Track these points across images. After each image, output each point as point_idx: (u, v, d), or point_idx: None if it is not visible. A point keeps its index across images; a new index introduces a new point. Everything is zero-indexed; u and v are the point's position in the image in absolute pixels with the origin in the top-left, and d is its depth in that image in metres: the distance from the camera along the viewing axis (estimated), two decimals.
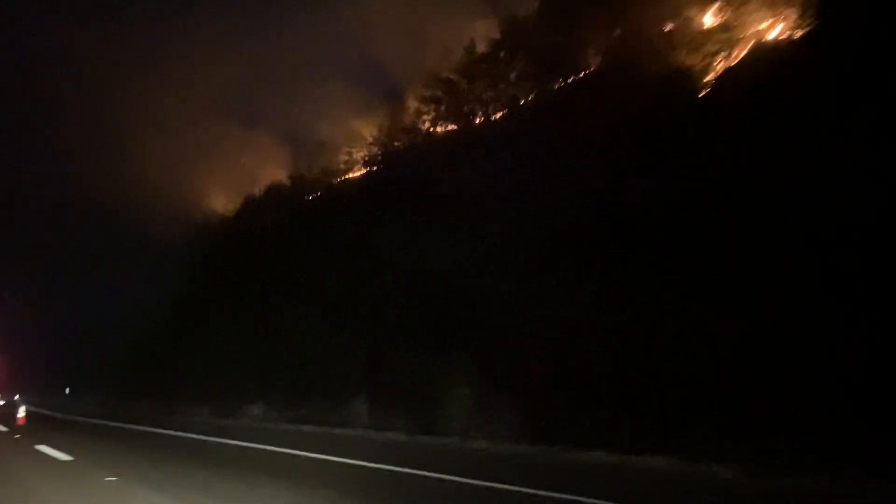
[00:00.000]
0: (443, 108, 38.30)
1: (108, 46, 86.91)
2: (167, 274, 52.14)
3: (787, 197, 14.46)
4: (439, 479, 10.41)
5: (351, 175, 48.15)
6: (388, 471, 11.41)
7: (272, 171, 54.75)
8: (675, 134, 18.25)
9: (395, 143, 40.37)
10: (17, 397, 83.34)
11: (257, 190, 54.10)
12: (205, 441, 16.71)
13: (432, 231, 18.41)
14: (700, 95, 22.35)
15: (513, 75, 32.20)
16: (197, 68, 75.15)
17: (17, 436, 18.37)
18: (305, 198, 49.36)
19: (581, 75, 28.52)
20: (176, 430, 20.24)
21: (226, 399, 28.70)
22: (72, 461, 12.42)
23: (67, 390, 76.94)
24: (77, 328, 75.73)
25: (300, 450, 14.14)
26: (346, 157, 49.09)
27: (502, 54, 32.64)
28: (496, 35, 32.98)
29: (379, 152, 43.64)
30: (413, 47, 46.13)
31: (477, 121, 34.32)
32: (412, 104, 42.74)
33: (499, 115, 32.71)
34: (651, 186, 16.25)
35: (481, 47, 34.05)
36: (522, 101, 30.77)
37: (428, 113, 40.05)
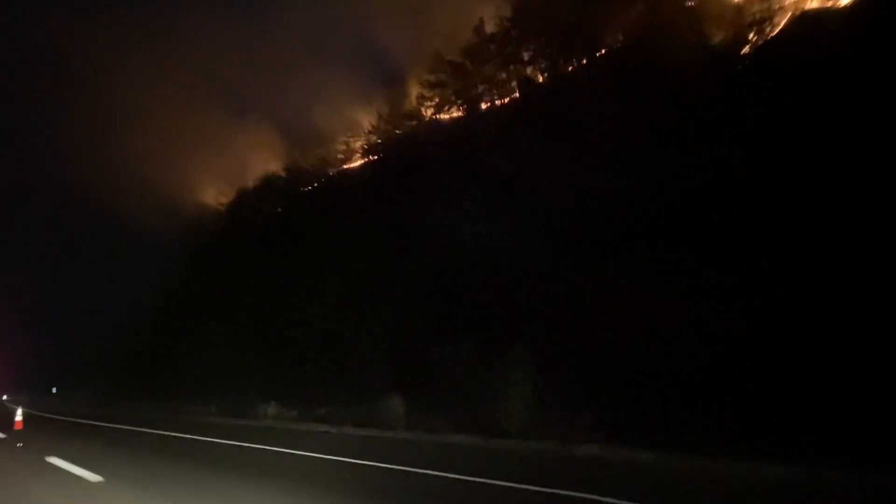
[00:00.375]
0: (449, 91, 36.78)
1: (92, 36, 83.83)
2: (162, 267, 50.15)
3: (834, 174, 13.10)
4: (527, 490, 8.77)
5: (349, 165, 46.50)
6: (455, 480, 9.61)
7: (265, 162, 52.85)
8: (712, 112, 16.76)
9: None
10: (4, 398, 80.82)
11: (251, 182, 52.38)
12: (242, 447, 14.78)
13: (477, 212, 16.70)
14: (735, 69, 20.93)
15: (526, 55, 30.57)
16: (186, 56, 72.72)
17: (20, 444, 16.02)
18: (302, 188, 47.73)
19: (601, 53, 26.95)
20: (198, 434, 18.24)
21: (235, 398, 26.88)
22: (102, 483, 9.67)
23: (54, 390, 74.52)
24: (63, 325, 73.38)
25: (345, 456, 12.41)
26: (343, 147, 47.51)
27: (514, 34, 30.94)
28: (507, 14, 31.15)
29: (379, 140, 42.13)
30: (415, 30, 44.12)
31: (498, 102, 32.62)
32: (414, 90, 41.28)
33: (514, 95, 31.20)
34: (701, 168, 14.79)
35: (490, 27, 32.46)
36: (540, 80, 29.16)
37: (432, 98, 38.43)
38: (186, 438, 17.25)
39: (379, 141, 42.35)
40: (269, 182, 49.59)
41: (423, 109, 39.60)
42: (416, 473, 10.22)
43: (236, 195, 53.52)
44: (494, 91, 33.40)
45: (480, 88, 34.30)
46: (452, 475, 9.87)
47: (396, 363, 17.68)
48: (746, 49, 22.05)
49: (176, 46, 73.51)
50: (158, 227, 52.94)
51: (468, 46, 33.55)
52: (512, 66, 31.22)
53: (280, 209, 45.12)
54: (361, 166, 44.22)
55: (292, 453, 13.30)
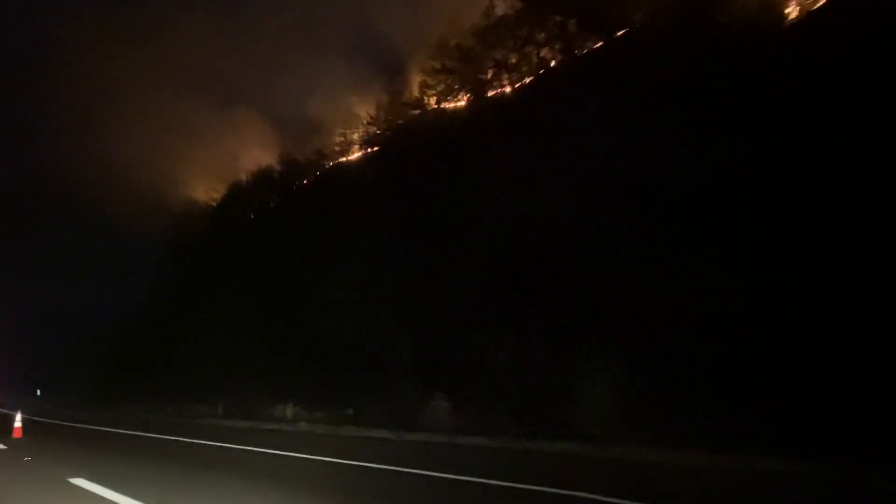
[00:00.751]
0: (453, 78, 35.10)
1: (72, 26, 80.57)
2: (153, 265, 48.06)
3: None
4: None
5: (348, 157, 44.66)
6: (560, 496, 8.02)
7: (259, 155, 50.78)
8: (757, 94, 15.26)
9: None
10: None
11: (244, 176, 50.30)
12: (283, 457, 13.02)
13: (535, 187, 14.91)
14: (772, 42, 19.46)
15: (541, 36, 28.91)
16: (173, 47, 70.06)
17: (28, 458, 13.61)
18: (298, 181, 45.86)
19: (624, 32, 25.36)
20: (218, 440, 16.49)
21: (243, 398, 25.10)
22: None
23: (38, 392, 71.85)
24: (48, 324, 70.73)
25: (405, 466, 10.76)
26: (341, 139, 45.63)
27: (527, 14, 29.25)
28: None
29: (378, 131, 40.35)
30: (415, 14, 42.19)
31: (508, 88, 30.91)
32: (416, 78, 39.51)
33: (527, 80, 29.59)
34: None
35: (501, 8, 30.82)
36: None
37: (436, 85, 36.73)
38: (210, 446, 15.49)
39: (378, 132, 40.65)
40: (263, 176, 47.78)
41: (426, 98, 37.84)
42: (497, 486, 8.63)
43: (229, 189, 51.53)
44: (506, 75, 31.70)
45: (490, 73, 32.57)
46: (551, 489, 8.26)
47: (437, 359, 16.02)
48: (788, 20, 20.65)
49: (162, 37, 70.81)
50: (148, 222, 50.85)
51: (477, 28, 31.76)
52: (527, 48, 29.45)
53: (275, 203, 43.31)
54: (362, 157, 42.49)
55: (345, 463, 11.64)
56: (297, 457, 12.56)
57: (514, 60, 30.32)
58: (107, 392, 44.99)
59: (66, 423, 27.84)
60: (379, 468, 10.68)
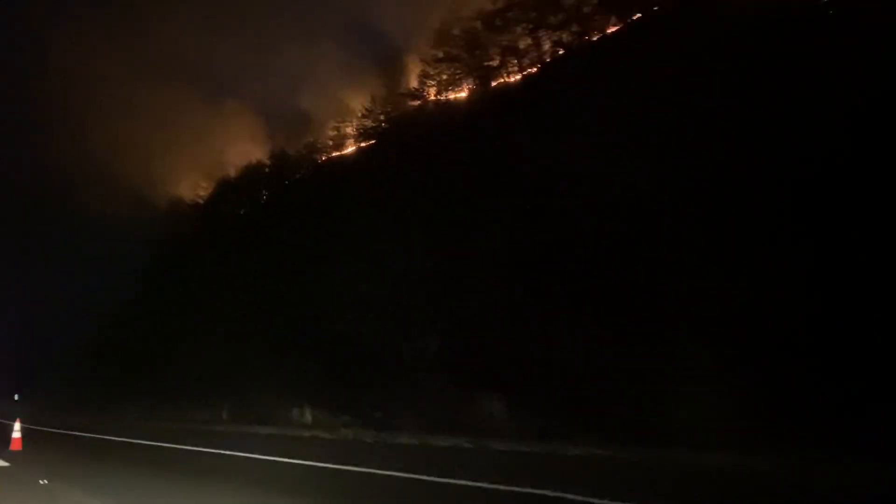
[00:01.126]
0: (456, 66, 33.55)
1: (47, 12, 76.95)
2: (140, 264, 45.88)
3: None
4: None
5: (342, 151, 42.90)
6: None
7: (247, 149, 48.73)
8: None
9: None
10: None
11: (232, 172, 48.27)
12: (335, 471, 11.23)
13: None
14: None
15: (558, 17, 27.37)
16: (154, 36, 67.27)
17: (44, 481, 10.92)
18: (290, 176, 44.02)
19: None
20: (250, 450, 14.46)
21: (251, 401, 23.32)
22: None
23: (16, 396, 68.87)
24: (27, 326, 67.61)
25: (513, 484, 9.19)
26: (334, 132, 43.85)
27: None
28: None
29: (375, 123, 38.69)
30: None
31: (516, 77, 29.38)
32: (415, 68, 37.86)
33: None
34: None
35: None
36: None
37: (438, 75, 35.13)
38: (260, 460, 13.52)
39: (374, 125, 39.00)
40: (253, 171, 45.93)
41: (426, 88, 36.23)
42: None
43: (218, 185, 49.44)
44: (514, 62, 30.20)
45: (497, 61, 31.06)
46: None
47: (485, 354, 14.48)
48: None
49: (142, 25, 67.87)
50: (133, 220, 48.61)
51: (484, 13, 30.18)
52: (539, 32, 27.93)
53: (275, 195, 41.49)
54: (357, 151, 40.79)
55: (404, 477, 10.02)
56: (374, 473, 10.90)
57: (525, 45, 28.79)
58: (95, 395, 42.70)
59: (61, 431, 25.71)
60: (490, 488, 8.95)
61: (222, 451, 14.17)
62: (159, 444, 17.47)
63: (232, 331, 27.02)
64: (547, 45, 27.92)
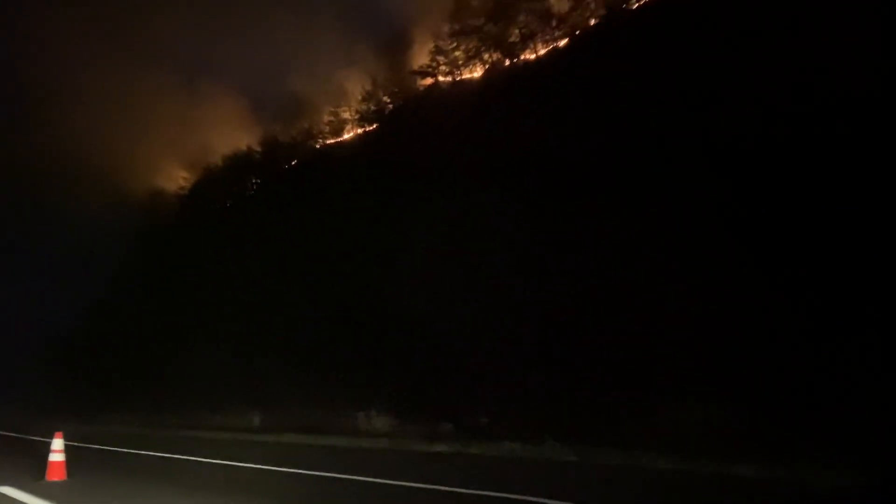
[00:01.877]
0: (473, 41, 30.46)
1: None
2: (118, 259, 41.89)
3: None
4: None
5: (340, 138, 39.45)
6: None
7: (234, 136, 44.78)
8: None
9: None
10: None
11: (219, 160, 44.32)
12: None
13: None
14: None
15: None
16: (125, 10, 62.32)
17: None
18: (283, 164, 40.47)
19: None
20: (357, 473, 9.82)
21: (295, 407, 19.65)
22: None
23: None
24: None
25: None
26: (331, 118, 40.31)
27: None
28: None
29: (377, 107, 35.37)
30: None
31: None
32: (425, 45, 34.60)
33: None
34: None
35: None
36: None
37: (452, 51, 31.97)
38: (365, 483, 8.99)
39: (375, 108, 35.71)
40: (241, 159, 42.11)
41: (436, 67, 33.00)
42: None
43: (201, 175, 45.52)
44: (541, 33, 27.20)
45: (520, 32, 28.03)
46: None
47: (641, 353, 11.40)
48: None
49: (115, 5, 62.65)
50: (108, 214, 44.59)
51: None
52: None
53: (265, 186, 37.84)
54: (357, 137, 37.38)
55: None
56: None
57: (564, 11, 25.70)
58: (86, 400, 38.10)
59: (84, 445, 18.31)
60: None
61: (306, 472, 10.46)
62: (193, 458, 13.59)
63: (245, 328, 23.70)
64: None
